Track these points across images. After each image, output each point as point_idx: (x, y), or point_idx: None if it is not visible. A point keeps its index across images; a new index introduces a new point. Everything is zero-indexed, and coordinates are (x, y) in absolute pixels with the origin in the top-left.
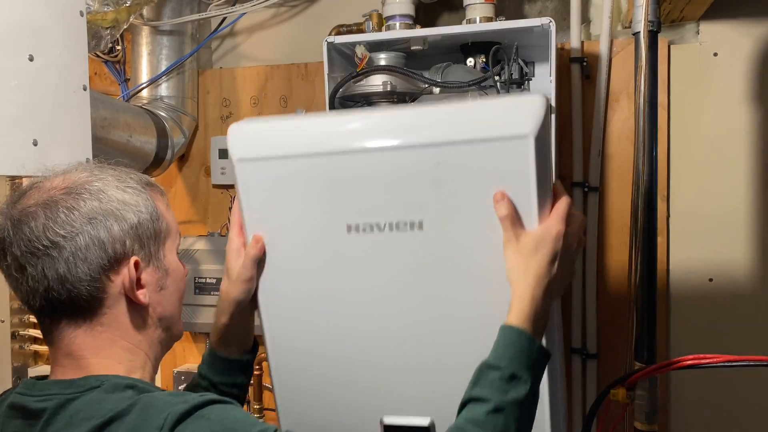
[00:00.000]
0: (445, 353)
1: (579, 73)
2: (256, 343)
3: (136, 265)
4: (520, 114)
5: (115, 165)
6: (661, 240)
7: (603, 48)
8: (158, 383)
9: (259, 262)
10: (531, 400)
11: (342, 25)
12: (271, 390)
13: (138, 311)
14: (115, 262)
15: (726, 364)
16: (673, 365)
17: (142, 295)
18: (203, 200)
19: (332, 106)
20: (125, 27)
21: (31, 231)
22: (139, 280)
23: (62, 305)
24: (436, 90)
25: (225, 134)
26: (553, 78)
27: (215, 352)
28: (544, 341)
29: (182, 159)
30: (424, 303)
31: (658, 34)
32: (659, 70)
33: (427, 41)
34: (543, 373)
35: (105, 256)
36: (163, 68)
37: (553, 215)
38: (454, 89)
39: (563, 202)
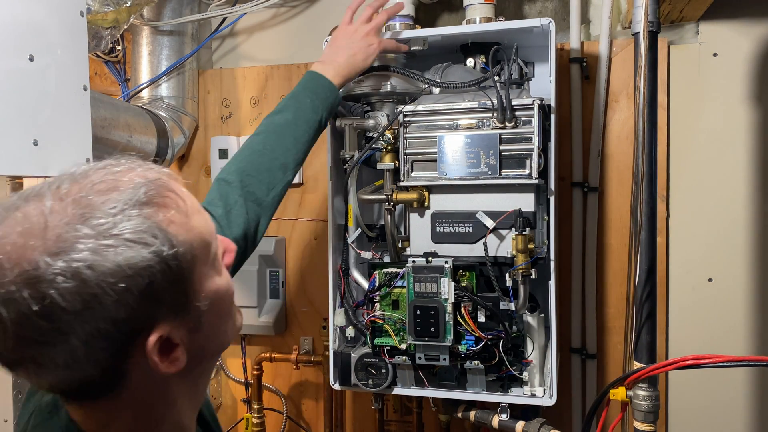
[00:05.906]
0: None
1: (579, 74)
2: None
3: (160, 339)
4: None
5: (97, 172)
6: (661, 240)
7: (603, 48)
8: None
9: None
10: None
11: None
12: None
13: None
14: (129, 342)
15: (725, 364)
16: (673, 365)
17: (174, 361)
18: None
19: None
20: (125, 27)
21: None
22: (168, 347)
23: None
24: (436, 90)
25: (225, 134)
26: (552, 78)
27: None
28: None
29: (182, 159)
30: None
31: (658, 35)
32: (659, 71)
33: (427, 41)
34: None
35: (111, 346)
36: (164, 68)
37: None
38: (454, 89)
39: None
